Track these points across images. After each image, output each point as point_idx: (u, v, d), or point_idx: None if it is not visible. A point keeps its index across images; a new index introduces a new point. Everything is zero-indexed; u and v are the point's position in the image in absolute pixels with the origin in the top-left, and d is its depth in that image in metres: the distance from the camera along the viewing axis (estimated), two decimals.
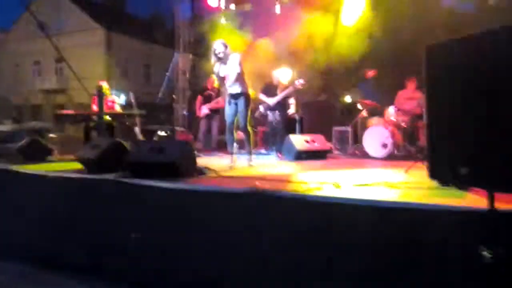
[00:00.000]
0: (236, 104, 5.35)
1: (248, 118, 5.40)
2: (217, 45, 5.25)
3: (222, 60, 5.25)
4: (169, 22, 31.81)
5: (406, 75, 8.08)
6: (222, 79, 5.40)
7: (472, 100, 2.04)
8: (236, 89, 5.29)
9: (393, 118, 7.26)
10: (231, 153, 5.44)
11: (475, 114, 2.04)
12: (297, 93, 7.91)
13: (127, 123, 8.42)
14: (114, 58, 26.53)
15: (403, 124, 7.06)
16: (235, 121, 5.44)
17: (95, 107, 7.30)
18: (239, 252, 3.01)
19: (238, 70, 5.20)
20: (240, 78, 5.27)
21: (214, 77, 8.60)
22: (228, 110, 5.43)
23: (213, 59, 5.28)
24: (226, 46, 5.26)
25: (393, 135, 6.85)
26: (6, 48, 29.92)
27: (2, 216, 4.76)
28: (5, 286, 3.70)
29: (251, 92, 5.57)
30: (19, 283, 3.76)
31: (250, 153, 5.50)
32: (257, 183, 3.33)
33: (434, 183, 3.11)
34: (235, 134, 5.56)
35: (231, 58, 5.26)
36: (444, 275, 2.27)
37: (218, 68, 5.32)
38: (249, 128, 5.44)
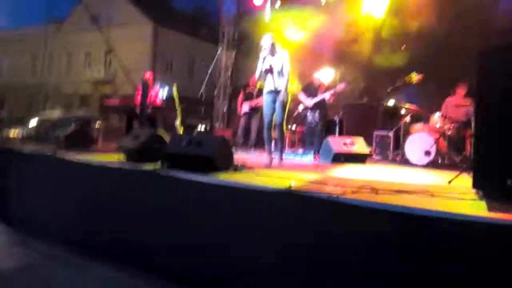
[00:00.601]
0: (274, 101, 5.27)
1: (285, 116, 5.32)
2: (266, 38, 5.25)
3: (269, 52, 5.21)
4: (214, 18, 32.35)
5: (453, 81, 7.78)
6: (265, 72, 5.30)
7: None
8: (278, 85, 5.23)
9: (438, 125, 7.00)
10: (269, 152, 5.40)
11: None
12: (337, 95, 7.79)
13: (168, 116, 8.61)
14: (159, 52, 27.19)
15: (449, 132, 6.79)
16: (273, 119, 5.37)
17: (139, 98, 7.50)
18: (270, 250, 3.00)
19: (285, 66, 5.17)
20: (284, 75, 5.22)
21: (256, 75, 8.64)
22: (266, 109, 5.36)
23: (261, 51, 5.24)
24: (273, 43, 5.24)
25: (437, 143, 6.61)
26: (60, 38, 31.30)
27: (44, 199, 4.98)
28: (36, 266, 3.85)
29: (290, 90, 5.48)
30: (51, 264, 3.90)
31: (281, 151, 5.40)
32: (292, 183, 3.30)
33: (479, 195, 2.98)
34: (272, 133, 5.51)
35: (280, 54, 5.24)
36: None
37: (263, 59, 5.27)
38: (284, 126, 5.35)
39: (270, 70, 5.23)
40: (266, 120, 5.37)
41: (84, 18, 25.53)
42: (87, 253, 4.03)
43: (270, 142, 5.42)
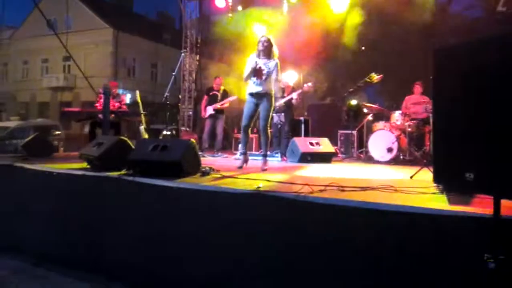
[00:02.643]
0: (257, 104, 5.19)
1: (269, 120, 5.25)
2: (264, 37, 5.14)
3: (266, 53, 5.09)
4: (176, 22, 32.07)
5: (412, 80, 8.07)
6: (254, 73, 5.11)
7: (479, 105, 2.02)
8: (264, 89, 5.11)
9: (399, 123, 7.22)
10: (242, 154, 5.39)
11: (482, 119, 2.01)
12: (303, 95, 7.91)
13: (132, 121, 8.45)
14: (121, 58, 26.67)
15: (409, 129, 7.02)
16: (251, 122, 5.29)
17: (101, 104, 7.32)
18: (241, 253, 3.00)
19: (275, 73, 5.08)
20: (272, 82, 5.15)
21: (221, 78, 8.62)
22: (247, 111, 5.23)
23: (258, 49, 5.09)
24: (270, 43, 5.11)
25: (398, 140, 6.82)
26: (15, 45, 30.13)
27: (4, 212, 4.78)
28: (4, 281, 3.70)
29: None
30: (16, 278, 3.76)
31: (265, 156, 5.30)
32: (261, 184, 3.32)
33: (439, 189, 3.09)
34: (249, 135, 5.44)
35: (272, 62, 5.10)
36: (446, 282, 2.25)
37: (255, 57, 5.13)
38: (268, 130, 5.29)
39: (259, 72, 5.09)
40: (244, 121, 5.25)
41: (40, 24, 24.67)
42: (53, 265, 3.91)
43: (246, 143, 5.39)
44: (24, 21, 30.09)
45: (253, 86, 5.19)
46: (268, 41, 5.11)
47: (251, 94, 5.23)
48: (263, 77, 5.10)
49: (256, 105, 5.21)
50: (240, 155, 5.38)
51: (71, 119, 9.52)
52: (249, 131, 5.34)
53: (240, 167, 5.14)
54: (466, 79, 2.11)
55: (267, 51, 5.11)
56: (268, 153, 5.47)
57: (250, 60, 5.17)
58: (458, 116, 2.18)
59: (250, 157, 5.58)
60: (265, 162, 5.24)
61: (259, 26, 10.96)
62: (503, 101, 1.90)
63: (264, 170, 5.01)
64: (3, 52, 30.84)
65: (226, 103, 8.28)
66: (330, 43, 11.31)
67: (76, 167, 4.70)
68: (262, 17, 11.51)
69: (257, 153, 8.06)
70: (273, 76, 5.11)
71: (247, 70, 5.15)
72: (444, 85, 2.27)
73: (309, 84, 7.60)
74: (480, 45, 2.05)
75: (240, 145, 5.41)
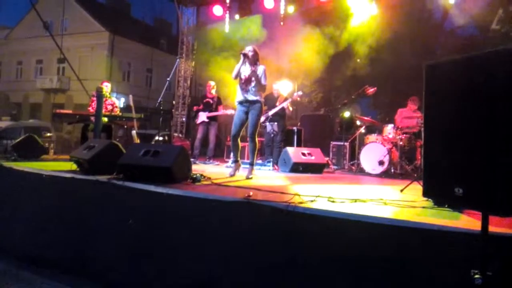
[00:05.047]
0: (246, 112, 5.22)
1: (258, 128, 5.27)
2: (248, 47, 5.19)
3: (248, 60, 5.13)
4: (173, 28, 32.14)
5: (406, 94, 8.13)
6: (242, 82, 5.19)
7: (469, 120, 2.03)
8: (253, 96, 5.17)
9: (391, 136, 7.26)
10: (234, 161, 5.38)
11: (472, 134, 2.03)
12: (297, 105, 7.97)
13: (125, 126, 8.40)
14: (116, 61, 26.62)
15: (401, 143, 7.06)
16: (241, 130, 5.30)
17: (93, 108, 7.28)
18: (228, 260, 2.98)
19: (263, 81, 5.13)
20: (260, 89, 5.19)
21: (211, 83, 8.62)
22: (237, 119, 5.27)
23: (244, 56, 5.12)
24: (256, 52, 5.19)
25: (390, 153, 6.85)
26: (10, 45, 29.98)
27: None
28: None
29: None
30: (1, 281, 3.69)
31: (252, 164, 5.30)
32: (251, 193, 3.31)
33: (429, 203, 3.11)
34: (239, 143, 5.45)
35: (259, 68, 5.17)
36: None
37: (240, 66, 5.16)
38: (256, 138, 5.30)
39: (247, 80, 5.16)
40: (233, 130, 5.28)
41: (36, 25, 24.65)
42: (39, 268, 3.85)
43: (237, 152, 5.38)
44: (20, 22, 29.97)
45: (242, 94, 5.24)
46: (254, 50, 5.19)
47: (240, 103, 5.28)
48: (252, 84, 5.15)
49: (246, 113, 5.24)
50: (232, 163, 5.36)
51: (63, 121, 9.42)
52: (239, 139, 5.34)
53: (232, 175, 5.13)
54: (457, 95, 2.13)
55: (253, 60, 5.17)
56: (260, 161, 5.47)
57: (239, 63, 5.22)
58: (447, 131, 2.19)
59: (242, 165, 5.56)
60: (250, 170, 5.22)
61: (255, 34, 11.04)
62: (493, 118, 1.92)
63: (249, 178, 5.00)
64: None
65: (220, 113, 8.28)
66: (326, 55, 11.39)
67: (66, 169, 4.65)
68: (259, 26, 11.59)
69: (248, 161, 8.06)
70: (263, 82, 5.16)
71: (235, 70, 5.21)
72: (435, 100, 2.29)
73: (299, 93, 7.75)
74: (472, 61, 2.07)
75: (232, 154, 5.40)
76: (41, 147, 6.94)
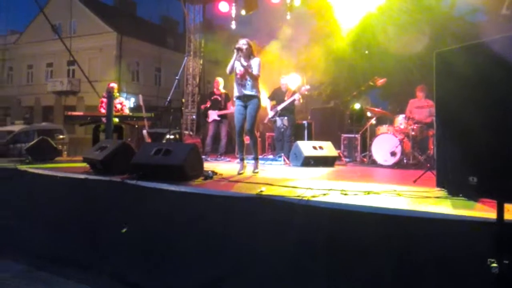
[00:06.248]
0: (245, 107, 5.22)
1: (256, 123, 5.28)
2: (242, 41, 5.16)
3: (242, 53, 5.08)
4: (180, 26, 32.19)
5: (416, 84, 8.04)
6: (238, 77, 5.16)
7: (482, 108, 2.01)
8: (249, 91, 5.16)
9: (402, 127, 7.20)
10: (241, 158, 5.37)
11: (486, 122, 2.00)
12: (306, 98, 7.94)
13: (135, 125, 8.46)
14: (125, 62, 26.78)
15: (413, 133, 7.00)
16: (244, 125, 5.27)
17: (102, 110, 7.35)
18: (243, 256, 2.99)
19: (258, 73, 5.12)
20: (256, 82, 5.18)
21: (219, 79, 8.61)
22: (237, 114, 5.27)
23: (238, 50, 5.07)
24: (250, 45, 5.17)
25: (402, 144, 6.80)
26: (20, 49, 30.34)
27: (7, 215, 4.79)
28: (6, 284, 3.70)
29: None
30: (17, 281, 3.76)
31: (256, 159, 5.31)
32: (263, 188, 3.31)
33: (443, 193, 3.08)
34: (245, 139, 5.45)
35: (253, 61, 5.16)
36: (450, 286, 2.23)
37: (234, 60, 5.10)
38: (255, 133, 5.31)
39: (242, 75, 5.13)
40: (237, 125, 5.28)
41: (44, 29, 24.84)
42: (55, 268, 3.91)
43: (242, 148, 5.37)
44: (28, 26, 30.30)
45: (239, 89, 5.22)
46: (247, 43, 5.15)
47: (239, 98, 5.26)
48: (247, 78, 5.12)
49: (245, 108, 5.24)
50: (240, 161, 5.36)
51: (75, 123, 9.53)
52: (243, 135, 5.35)
53: (241, 173, 5.10)
54: (468, 83, 2.11)
55: (247, 53, 5.14)
56: (271, 156, 5.46)
57: (233, 57, 5.14)
58: (460, 119, 2.17)
59: (246, 162, 5.51)
60: (256, 165, 5.26)
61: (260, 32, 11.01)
62: (506, 104, 1.89)
63: (255, 172, 5.04)
64: (8, 57, 31.08)
65: (230, 111, 8.26)
66: (334, 47, 11.31)
67: (79, 171, 4.71)
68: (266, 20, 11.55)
69: (259, 157, 8.06)
70: (254, 72, 5.11)
71: (229, 65, 5.15)
72: (446, 89, 2.26)
73: (307, 87, 7.69)
74: (482, 48, 2.04)
75: (239, 150, 5.39)
76: (54, 149, 7.03)
